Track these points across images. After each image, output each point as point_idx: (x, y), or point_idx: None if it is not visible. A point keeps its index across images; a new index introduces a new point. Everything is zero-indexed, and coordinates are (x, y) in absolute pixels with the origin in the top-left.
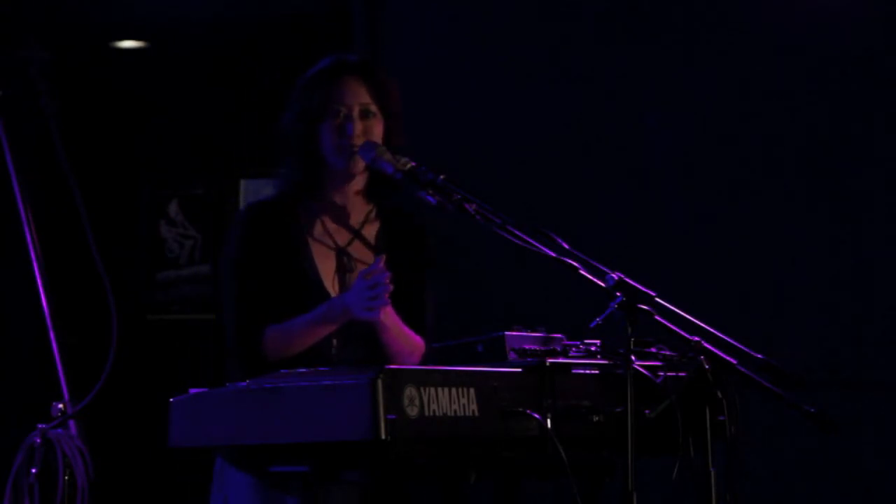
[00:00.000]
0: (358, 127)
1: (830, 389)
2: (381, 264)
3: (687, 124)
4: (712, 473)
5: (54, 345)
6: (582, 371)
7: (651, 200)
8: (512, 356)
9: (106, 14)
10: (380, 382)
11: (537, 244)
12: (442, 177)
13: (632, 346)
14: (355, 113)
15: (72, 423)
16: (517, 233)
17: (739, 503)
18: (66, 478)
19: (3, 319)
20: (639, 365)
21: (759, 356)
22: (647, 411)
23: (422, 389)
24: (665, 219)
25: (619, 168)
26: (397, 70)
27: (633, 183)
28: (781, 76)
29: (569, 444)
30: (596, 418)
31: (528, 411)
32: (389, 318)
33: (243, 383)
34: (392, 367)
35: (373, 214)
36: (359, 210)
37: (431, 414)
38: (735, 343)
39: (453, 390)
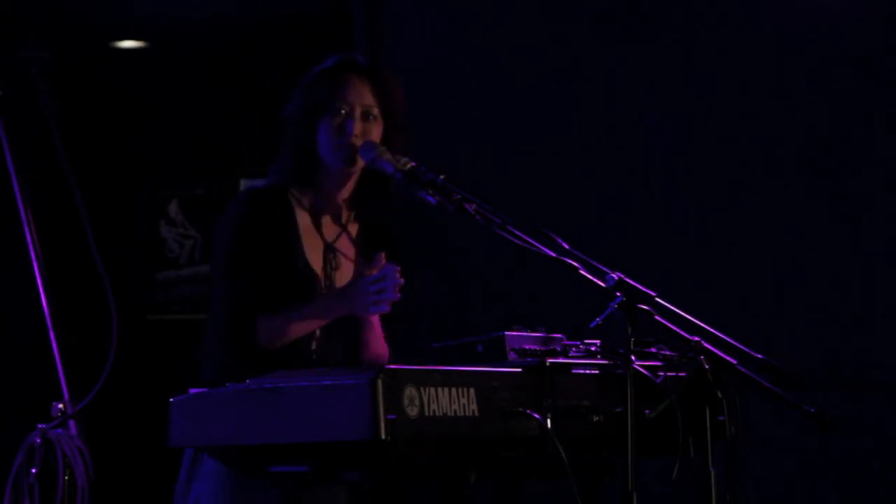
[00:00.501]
0: (358, 127)
1: (830, 389)
2: (384, 260)
3: (687, 124)
4: (712, 473)
5: (54, 345)
6: (582, 371)
7: (651, 200)
8: (512, 356)
9: (106, 14)
10: (380, 382)
11: (537, 244)
12: (442, 177)
13: (632, 346)
14: (357, 113)
15: (72, 423)
16: (517, 233)
17: (739, 503)
18: (66, 478)
19: (3, 319)
20: (639, 365)
21: (759, 356)
22: (647, 411)
23: (422, 389)
24: (665, 219)
25: (619, 168)
26: (397, 70)
27: (633, 183)
28: (781, 76)
29: (569, 444)
30: (596, 418)
31: (528, 411)
32: (375, 316)
33: (243, 384)
34: (392, 366)
35: (352, 216)
36: (344, 209)
37: (431, 414)
38: (735, 343)
39: (453, 390)
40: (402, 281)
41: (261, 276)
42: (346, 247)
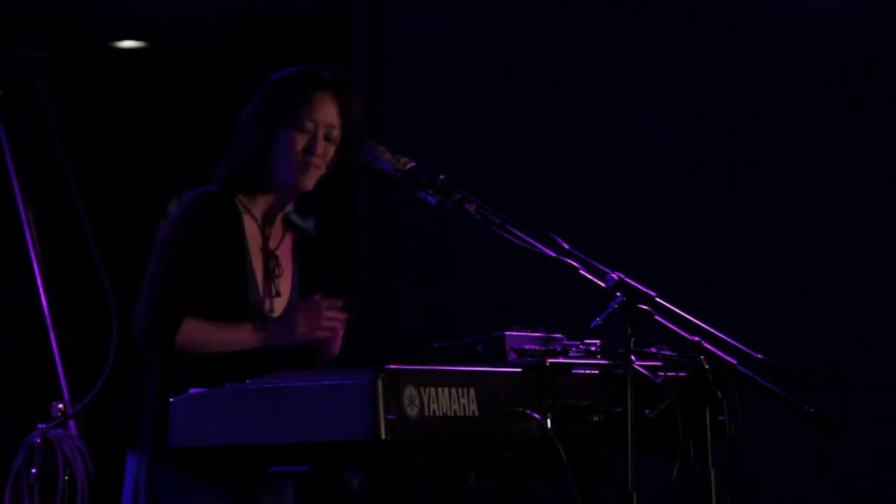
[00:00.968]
0: (320, 147)
1: (830, 389)
2: (337, 303)
3: (687, 124)
4: (712, 473)
5: (54, 345)
6: (582, 371)
7: (651, 200)
8: (512, 356)
9: (106, 14)
10: (380, 382)
11: (537, 244)
12: (442, 177)
13: (632, 346)
14: (321, 133)
15: (72, 423)
16: (517, 233)
17: (739, 503)
18: (66, 477)
19: (3, 320)
20: (639, 365)
21: (759, 356)
22: (646, 411)
23: (422, 389)
24: (665, 219)
25: (619, 168)
26: (397, 70)
27: (632, 183)
28: (781, 76)
29: (569, 444)
30: (596, 418)
31: (528, 411)
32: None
33: (243, 384)
34: (392, 366)
35: (287, 227)
36: (281, 221)
37: (431, 414)
38: (735, 343)
39: (453, 390)
40: (339, 313)
41: (198, 276)
42: (284, 257)
